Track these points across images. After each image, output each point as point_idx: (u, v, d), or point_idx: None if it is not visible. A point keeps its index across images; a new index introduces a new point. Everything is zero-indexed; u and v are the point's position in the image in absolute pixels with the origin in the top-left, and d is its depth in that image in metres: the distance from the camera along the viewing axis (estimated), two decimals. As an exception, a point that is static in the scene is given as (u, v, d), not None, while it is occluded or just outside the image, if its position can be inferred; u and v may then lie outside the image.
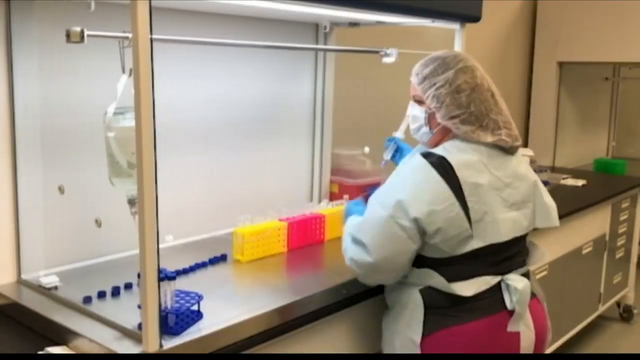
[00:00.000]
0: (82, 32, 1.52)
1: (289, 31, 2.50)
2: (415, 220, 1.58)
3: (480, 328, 1.65)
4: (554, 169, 4.14)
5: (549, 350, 3.10)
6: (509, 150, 1.72)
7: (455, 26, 2.35)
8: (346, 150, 2.81)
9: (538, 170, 3.47)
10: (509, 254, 1.72)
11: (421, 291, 1.67)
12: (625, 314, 4.03)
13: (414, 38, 2.74)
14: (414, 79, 1.78)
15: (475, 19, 2.30)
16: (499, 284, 1.68)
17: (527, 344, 1.70)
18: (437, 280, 1.65)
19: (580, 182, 3.67)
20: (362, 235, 1.66)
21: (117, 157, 1.60)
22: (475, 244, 1.61)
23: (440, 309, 1.65)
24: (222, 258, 2.05)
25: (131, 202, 1.64)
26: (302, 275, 2.01)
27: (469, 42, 2.44)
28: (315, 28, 2.61)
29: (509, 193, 1.68)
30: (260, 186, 2.51)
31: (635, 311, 4.01)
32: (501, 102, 1.74)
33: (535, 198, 1.77)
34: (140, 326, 1.41)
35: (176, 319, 1.48)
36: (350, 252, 1.70)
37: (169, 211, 1.91)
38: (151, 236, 1.34)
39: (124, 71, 1.59)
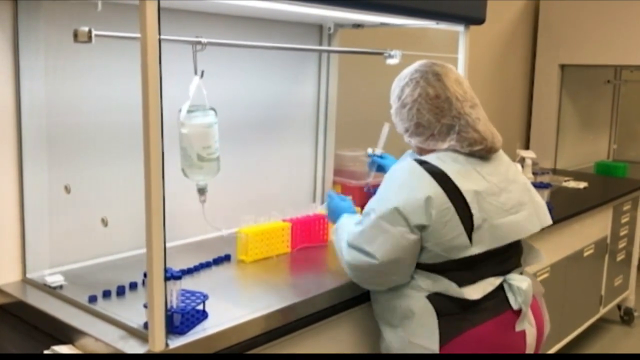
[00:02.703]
0: (89, 32, 1.53)
1: (292, 32, 2.50)
2: (415, 225, 1.58)
3: (490, 329, 1.66)
4: (555, 171, 4.13)
5: (550, 352, 3.11)
6: (480, 156, 1.69)
7: (459, 28, 2.35)
8: (349, 152, 2.82)
9: (540, 172, 3.49)
10: (508, 255, 1.75)
11: (429, 298, 1.64)
12: (626, 316, 4.04)
13: (418, 40, 2.74)
14: None
15: (480, 21, 2.30)
16: (501, 283, 1.70)
17: (531, 341, 1.73)
18: (445, 285, 1.63)
19: (581, 185, 3.68)
20: (364, 244, 1.63)
21: (189, 151, 1.73)
22: (474, 250, 1.60)
23: (452, 314, 1.64)
24: (226, 258, 2.05)
25: (201, 190, 1.83)
26: (305, 275, 2.01)
27: (470, 43, 2.44)
28: (319, 29, 2.61)
29: (505, 197, 1.68)
30: (263, 187, 2.51)
31: (636, 314, 4.02)
32: (462, 106, 1.68)
33: (531, 199, 1.77)
34: (146, 325, 1.42)
35: (182, 319, 1.48)
36: (348, 256, 1.68)
37: (176, 211, 1.94)
38: (158, 236, 1.35)
39: (196, 73, 1.75)
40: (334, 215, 1.92)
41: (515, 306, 1.68)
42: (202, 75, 1.75)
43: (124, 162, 2.01)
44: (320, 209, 2.30)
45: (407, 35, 2.72)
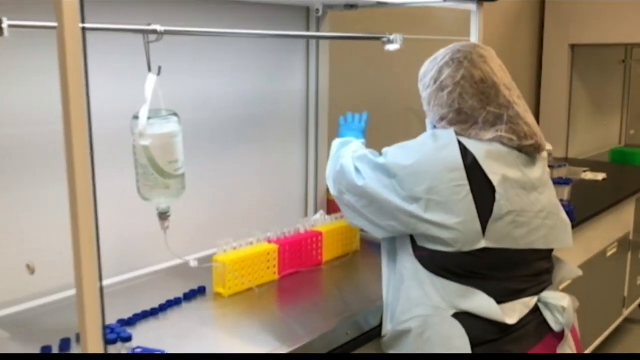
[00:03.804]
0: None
1: (276, 16, 2.18)
2: (410, 196, 1.48)
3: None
4: (568, 160, 3.92)
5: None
6: (528, 153, 1.55)
7: (471, 6, 2.00)
8: (345, 152, 2.47)
9: (556, 165, 3.17)
10: (541, 269, 1.58)
11: (459, 319, 1.45)
12: (649, 317, 3.78)
13: (421, 21, 2.41)
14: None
15: (494, -4, 1.97)
16: (536, 304, 1.54)
17: None
18: (480, 302, 1.45)
19: (600, 176, 3.48)
20: (362, 164, 1.60)
21: (151, 168, 1.43)
22: (484, 244, 1.44)
23: (489, 342, 1.45)
24: (200, 291, 1.71)
25: (163, 215, 1.53)
26: (297, 310, 1.67)
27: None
28: (306, 12, 2.29)
29: (535, 198, 1.52)
30: (242, 202, 2.19)
31: (660, 314, 3.76)
32: (510, 95, 1.55)
33: (558, 214, 1.61)
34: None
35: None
36: (344, 160, 1.65)
37: (133, 235, 1.59)
38: (91, 281, 0.99)
39: (149, 69, 1.42)
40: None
41: (556, 328, 1.53)
42: (159, 73, 1.40)
43: (49, 183, 1.66)
44: (314, 223, 1.96)
45: (408, 17, 2.40)
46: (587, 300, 2.94)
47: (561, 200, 2.78)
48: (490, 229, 1.44)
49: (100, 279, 1.02)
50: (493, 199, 1.45)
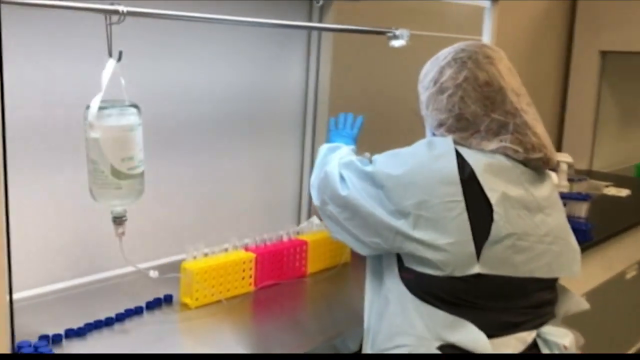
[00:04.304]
0: None
1: (275, 5, 2.02)
2: (398, 210, 1.32)
3: None
4: (590, 174, 3.72)
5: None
6: (535, 167, 1.40)
7: (484, 3, 1.81)
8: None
9: (576, 179, 2.97)
10: (542, 300, 1.41)
11: (444, 351, 1.30)
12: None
13: (431, 17, 2.24)
14: None
15: (511, -7, 1.79)
16: (534, 340, 1.37)
17: None
18: (467, 335, 1.30)
19: (623, 192, 3.28)
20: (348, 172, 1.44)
21: (100, 165, 1.28)
22: (478, 269, 1.29)
23: None
24: (167, 300, 1.56)
25: (117, 220, 1.39)
26: (269, 327, 1.52)
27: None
28: (307, 2, 2.13)
29: (541, 219, 1.36)
30: (231, 201, 2.04)
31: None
32: (518, 101, 1.40)
33: (567, 239, 1.44)
34: None
35: None
36: (329, 167, 1.49)
37: (93, 235, 1.54)
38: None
39: (110, 55, 1.28)
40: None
41: None
42: (119, 58, 1.26)
43: None
44: (300, 230, 1.80)
45: (416, 12, 2.23)
46: (603, 325, 2.75)
47: (578, 218, 2.62)
48: (486, 253, 1.29)
49: (11, 292, 0.89)
50: (491, 219, 1.29)
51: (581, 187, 2.93)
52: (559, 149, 3.94)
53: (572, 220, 2.53)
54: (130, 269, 1.59)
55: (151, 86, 1.76)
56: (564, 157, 2.94)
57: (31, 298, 1.54)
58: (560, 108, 4.17)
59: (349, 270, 1.88)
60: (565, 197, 2.60)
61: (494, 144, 1.37)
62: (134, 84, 1.70)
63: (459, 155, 1.34)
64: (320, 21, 2.12)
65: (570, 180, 2.94)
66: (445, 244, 1.28)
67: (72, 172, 1.55)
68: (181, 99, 1.84)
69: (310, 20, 2.13)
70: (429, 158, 1.35)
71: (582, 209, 2.59)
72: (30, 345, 1.19)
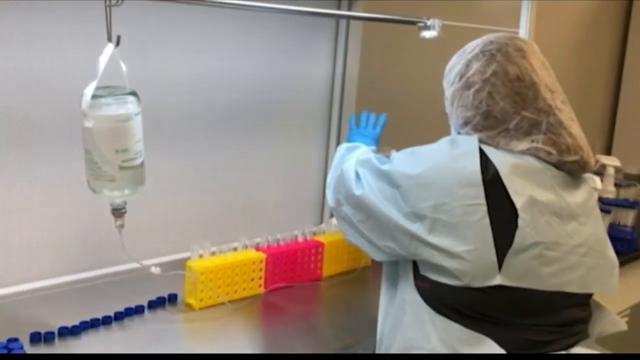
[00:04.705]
0: None
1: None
2: (413, 213, 1.23)
3: None
4: None
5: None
6: (569, 171, 1.29)
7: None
8: (373, 151, 2.22)
9: (624, 184, 2.79)
10: (573, 318, 1.29)
11: None
12: None
13: (467, 9, 2.11)
14: None
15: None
16: None
17: None
18: (487, 351, 1.19)
19: None
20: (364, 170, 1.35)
21: (94, 155, 1.21)
22: (499, 280, 1.19)
23: None
24: (171, 299, 1.49)
25: (116, 212, 1.30)
26: (276, 333, 1.43)
27: (543, 18, 1.79)
28: (337, -12, 2.04)
29: (573, 228, 1.25)
30: (251, 198, 1.96)
31: None
32: (552, 98, 1.30)
33: (603, 251, 1.32)
34: None
35: None
36: (346, 165, 1.39)
37: (99, 227, 1.51)
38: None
39: (110, 39, 1.20)
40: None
41: None
42: (117, 43, 1.18)
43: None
44: (317, 231, 1.70)
45: (449, 3, 2.10)
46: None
47: (624, 226, 2.45)
48: (509, 263, 1.18)
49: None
50: (515, 226, 1.18)
51: (629, 194, 2.75)
52: (608, 152, 3.75)
53: (617, 228, 2.40)
54: (135, 265, 1.52)
55: (166, 74, 1.69)
56: (611, 161, 2.78)
57: (27, 292, 1.49)
58: (611, 110, 3.97)
59: (369, 274, 1.77)
60: (611, 204, 2.45)
61: (524, 144, 1.26)
62: (146, 72, 1.65)
63: (483, 155, 1.23)
64: (349, 9, 2.02)
65: (617, 185, 2.76)
66: (464, 251, 1.18)
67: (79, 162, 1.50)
68: (197, 88, 1.77)
69: (338, 8, 2.03)
70: (450, 157, 1.24)
71: (628, 217, 2.42)
72: (4, 347, 1.11)
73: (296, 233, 1.67)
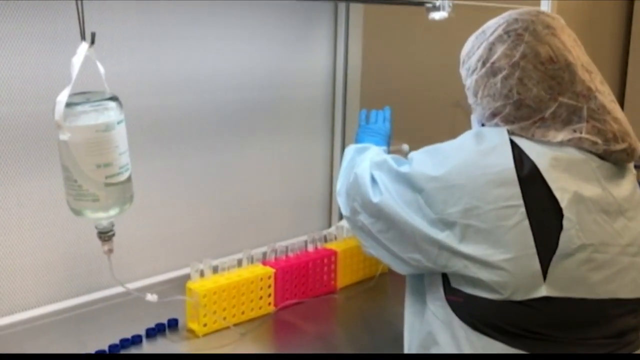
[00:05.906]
0: None
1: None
2: (441, 220, 1.11)
3: None
4: None
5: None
6: (616, 161, 1.16)
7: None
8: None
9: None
10: (625, 327, 1.16)
11: None
12: None
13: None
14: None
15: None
16: None
17: None
18: None
19: None
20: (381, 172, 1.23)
21: (73, 172, 1.05)
22: (544, 292, 1.07)
23: None
24: (171, 325, 1.34)
25: (102, 235, 1.13)
26: (296, 353, 1.29)
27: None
28: (334, -30, 1.90)
29: (622, 225, 1.12)
30: (253, 203, 1.82)
31: None
32: (591, 79, 1.17)
33: None
34: None
35: None
36: (359, 169, 1.27)
37: (89, 249, 1.34)
38: None
39: (83, 38, 1.05)
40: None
41: None
42: (92, 41, 1.03)
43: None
44: (328, 238, 1.56)
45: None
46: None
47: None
48: (555, 271, 1.06)
49: None
50: (560, 227, 1.05)
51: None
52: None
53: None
54: (128, 287, 1.38)
55: (151, 74, 1.55)
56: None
57: (12, 325, 1.33)
58: (619, 90, 3.88)
59: (388, 282, 1.63)
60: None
61: (564, 134, 1.14)
62: (130, 72, 1.51)
63: (515, 148, 1.10)
64: (348, -8, 1.89)
65: None
66: (502, 260, 1.06)
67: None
68: (188, 87, 1.63)
69: (336, -9, 1.90)
70: (477, 153, 1.11)
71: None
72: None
73: (305, 240, 1.52)
